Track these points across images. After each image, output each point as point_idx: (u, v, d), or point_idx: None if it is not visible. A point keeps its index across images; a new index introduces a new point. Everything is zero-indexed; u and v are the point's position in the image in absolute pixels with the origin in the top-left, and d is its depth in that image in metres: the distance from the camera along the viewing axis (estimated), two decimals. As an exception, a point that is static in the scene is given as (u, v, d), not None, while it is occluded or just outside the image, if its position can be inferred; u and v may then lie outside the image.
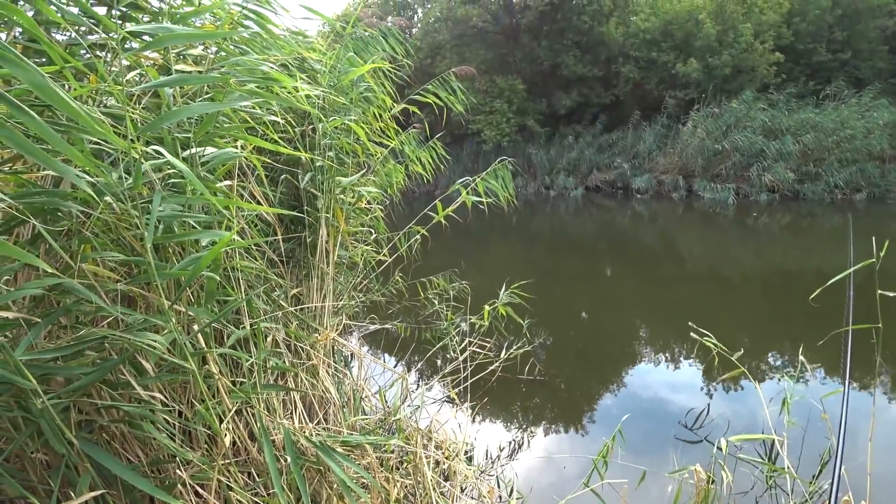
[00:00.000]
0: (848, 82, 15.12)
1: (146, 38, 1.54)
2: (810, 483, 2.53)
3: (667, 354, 4.90)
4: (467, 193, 3.75)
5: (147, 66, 1.55)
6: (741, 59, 14.97)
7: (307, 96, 2.25)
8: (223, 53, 1.90)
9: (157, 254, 1.37)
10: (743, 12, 15.24)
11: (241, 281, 1.87)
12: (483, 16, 17.13)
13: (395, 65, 3.58)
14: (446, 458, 2.60)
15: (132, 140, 1.17)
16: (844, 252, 6.11)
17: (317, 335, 2.43)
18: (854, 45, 15.82)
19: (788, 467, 2.43)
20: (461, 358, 3.75)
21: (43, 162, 0.99)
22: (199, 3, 1.99)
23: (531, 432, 3.54)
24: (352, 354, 3.58)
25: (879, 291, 2.13)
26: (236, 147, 1.86)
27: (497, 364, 3.99)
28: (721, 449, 2.26)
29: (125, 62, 1.40)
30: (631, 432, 3.35)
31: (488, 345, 4.22)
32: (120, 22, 1.60)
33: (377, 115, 3.33)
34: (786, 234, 10.88)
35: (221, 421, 1.51)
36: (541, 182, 17.35)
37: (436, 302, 4.60)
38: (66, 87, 1.30)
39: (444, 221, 3.77)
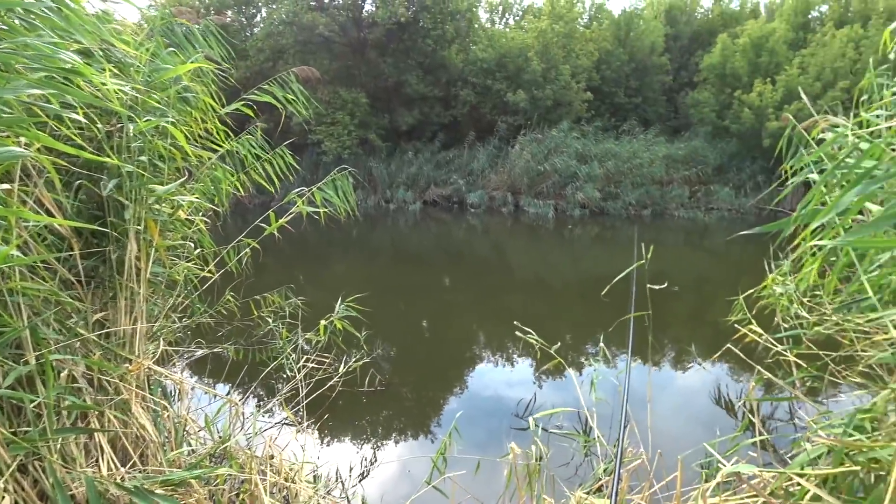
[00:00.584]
0: (639, 121, 18.61)
1: None
2: (614, 446, 2.95)
3: (501, 355, 5.31)
4: (304, 204, 3.62)
5: None
6: (560, 94, 17.38)
7: (116, 93, 1.99)
8: (5, 28, 1.58)
9: None
10: (563, 55, 17.71)
11: (22, 306, 1.56)
12: (330, 25, 16.82)
13: (221, 67, 3.33)
14: (287, 482, 2.46)
15: None
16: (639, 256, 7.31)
17: (127, 365, 2.12)
18: (643, 93, 19.65)
19: (599, 437, 2.82)
20: (299, 376, 3.60)
21: None
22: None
23: (376, 443, 3.54)
24: (174, 385, 3.20)
25: (648, 285, 2.63)
26: (19, 144, 1.57)
27: (337, 379, 3.92)
28: (545, 430, 2.53)
29: None
30: (471, 428, 3.56)
31: (327, 360, 4.13)
32: None
33: (199, 118, 3.06)
34: (594, 243, 12.63)
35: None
36: (381, 195, 17.59)
37: (270, 320, 4.36)
38: None
39: (277, 234, 3.59)
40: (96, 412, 1.83)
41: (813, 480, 1.71)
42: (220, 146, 3.51)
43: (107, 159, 1.86)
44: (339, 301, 3.98)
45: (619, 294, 3.47)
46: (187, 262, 3.23)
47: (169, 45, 2.87)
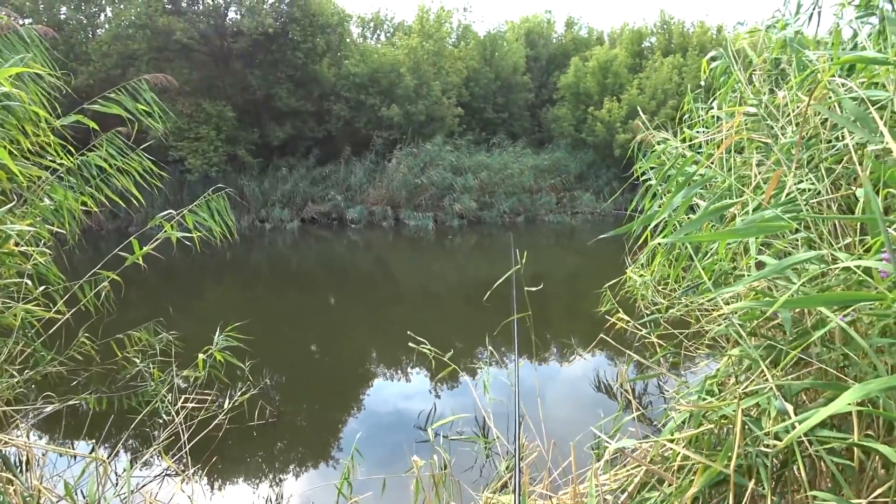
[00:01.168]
0: (507, 135, 19.92)
1: None
2: (513, 443, 3.07)
3: (396, 369, 5.27)
4: (172, 228, 3.29)
5: None
6: (433, 110, 17.93)
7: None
8: None
9: None
10: (434, 72, 18.33)
11: None
12: (189, 32, 15.32)
13: (54, 73, 2.92)
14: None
15: None
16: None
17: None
18: (509, 109, 21.07)
19: (498, 436, 2.91)
20: (178, 419, 3.24)
21: None
22: None
23: (275, 479, 3.30)
24: (18, 452, 2.71)
25: (526, 288, 2.82)
26: None
27: (222, 416, 3.60)
28: (447, 437, 2.55)
29: None
30: (373, 447, 3.47)
31: (209, 398, 3.77)
32: None
33: (30, 131, 2.65)
34: (475, 251, 13.15)
35: None
36: (255, 214, 16.63)
37: (137, 360, 3.87)
38: None
39: (142, 263, 3.22)
40: None
41: (681, 443, 1.93)
42: (59, 164, 3.07)
43: None
44: (218, 331, 3.67)
45: (500, 297, 3.65)
46: (25, 302, 2.76)
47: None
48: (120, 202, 3.49)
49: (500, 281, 3.08)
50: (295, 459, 3.58)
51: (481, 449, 3.23)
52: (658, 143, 3.10)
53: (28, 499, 2.07)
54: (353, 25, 22.34)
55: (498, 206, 16.47)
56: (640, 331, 3.65)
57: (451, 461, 2.50)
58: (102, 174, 3.32)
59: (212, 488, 3.14)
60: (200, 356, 3.58)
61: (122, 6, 16.03)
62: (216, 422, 3.51)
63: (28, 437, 3.38)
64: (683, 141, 2.94)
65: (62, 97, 3.30)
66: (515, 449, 2.20)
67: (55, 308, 3.03)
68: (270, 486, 3.21)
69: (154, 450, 3.09)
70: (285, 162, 17.85)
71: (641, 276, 3.91)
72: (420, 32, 18.87)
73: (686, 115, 3.47)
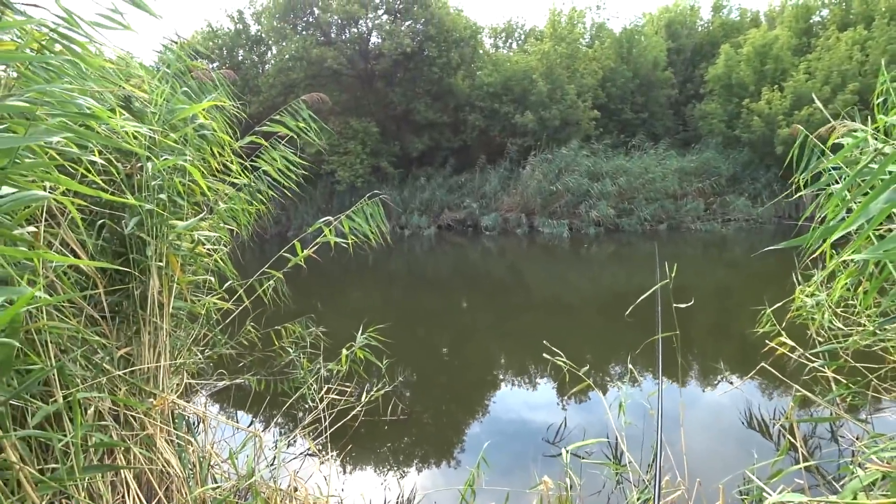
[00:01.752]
0: (647, 136, 18.59)
1: None
2: (647, 472, 2.85)
3: (524, 377, 5.21)
4: (330, 232, 3.62)
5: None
6: (567, 114, 17.48)
7: (134, 135, 2.03)
8: (24, 79, 1.64)
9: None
10: (568, 75, 17.91)
11: (49, 345, 1.57)
12: (338, 59, 17.32)
13: (234, 104, 3.40)
14: (311, 517, 2.41)
15: None
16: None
17: (152, 400, 2.12)
18: (650, 108, 19.75)
19: (630, 462, 2.72)
20: (321, 406, 3.57)
21: None
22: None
23: (401, 473, 3.47)
24: (197, 417, 3.18)
25: (674, 304, 2.55)
26: (43, 188, 1.60)
27: (359, 408, 3.87)
28: (577, 456, 2.45)
29: None
30: (498, 456, 3.47)
31: (349, 390, 4.09)
32: None
33: (216, 152, 3.12)
34: (612, 260, 12.49)
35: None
36: (395, 222, 17.71)
37: (291, 350, 4.35)
38: None
39: (303, 264, 3.61)
40: (122, 449, 1.82)
41: (867, 505, 1.61)
42: (237, 179, 3.57)
43: (125, 199, 1.89)
44: (360, 330, 3.96)
45: (640, 310, 3.40)
46: (209, 296, 3.25)
47: (183, 88, 2.96)
48: (283, 198, 3.90)
49: (646, 295, 2.87)
50: (420, 457, 3.72)
51: (611, 474, 3.04)
52: (841, 137, 2.64)
53: (202, 458, 2.44)
54: (486, 36, 22.79)
55: (638, 213, 15.47)
56: (812, 362, 3.13)
57: (580, 483, 2.39)
58: (269, 181, 3.79)
59: (344, 471, 3.40)
60: (344, 352, 3.89)
61: (283, 44, 18.47)
62: (353, 412, 3.78)
63: (205, 406, 4.01)
64: (884, 133, 2.44)
65: (239, 124, 3.87)
66: (655, 486, 2.02)
67: (231, 301, 3.52)
68: (396, 479, 3.37)
69: (299, 431, 3.45)
70: (423, 172, 18.82)
71: (814, 296, 3.37)
72: (552, 36, 18.57)
73: (881, 99, 2.85)
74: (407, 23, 17.81)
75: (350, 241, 3.68)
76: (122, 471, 1.78)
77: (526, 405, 4.54)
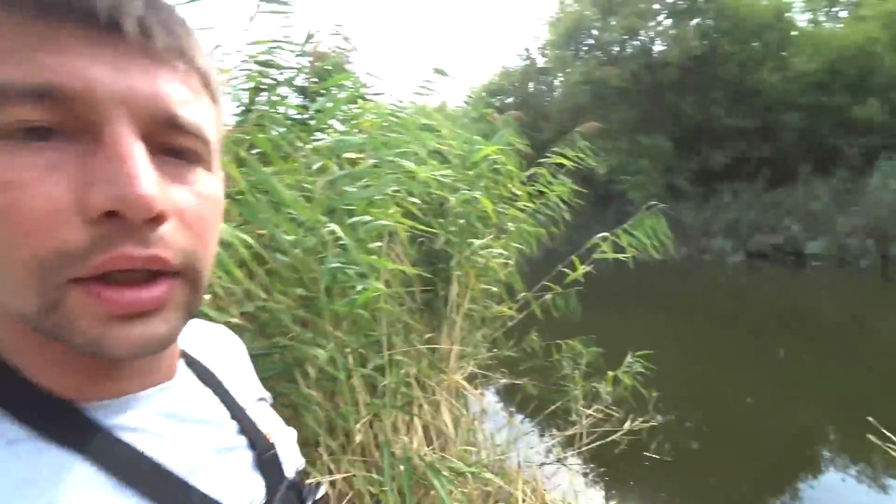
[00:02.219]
0: None
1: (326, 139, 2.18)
2: None
3: (850, 463, 4.07)
4: (610, 248, 3.65)
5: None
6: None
7: (441, 178, 2.76)
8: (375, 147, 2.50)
9: (327, 293, 1.89)
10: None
11: (384, 321, 2.33)
12: (622, 76, 17.35)
13: (524, 141, 3.99)
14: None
15: (317, 213, 1.72)
16: None
17: (443, 376, 2.79)
18: None
19: None
20: (583, 422, 3.67)
21: (263, 225, 1.55)
22: (363, 105, 2.66)
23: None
24: (474, 398, 3.81)
25: None
26: (385, 217, 2.39)
27: (620, 435, 3.75)
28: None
29: (316, 163, 2.02)
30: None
31: (614, 415, 4.02)
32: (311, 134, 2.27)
33: (506, 183, 3.74)
34: None
35: (356, 423, 1.95)
36: (694, 246, 16.22)
37: (566, 365, 4.55)
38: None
39: (581, 279, 3.79)
40: (418, 403, 2.52)
41: None
42: (525, 204, 4.10)
43: (433, 230, 2.60)
44: (628, 356, 3.89)
45: None
46: (498, 304, 3.85)
47: (481, 130, 3.69)
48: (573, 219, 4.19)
49: None
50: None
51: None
52: None
53: (471, 430, 3.00)
54: (797, 14, 18.47)
55: None
56: None
57: None
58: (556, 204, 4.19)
59: (592, 490, 3.45)
60: (610, 373, 3.92)
61: (568, 70, 19.38)
62: (613, 437, 3.73)
63: (481, 392, 4.68)
64: None
65: (531, 149, 4.43)
66: None
67: (513, 309, 4.06)
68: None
69: (556, 439, 3.70)
70: (728, 187, 16.74)
71: None
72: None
73: None
74: (693, 22, 16.37)
75: (630, 255, 3.64)
76: (414, 417, 2.46)
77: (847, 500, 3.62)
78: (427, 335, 2.91)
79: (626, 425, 3.95)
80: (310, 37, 2.48)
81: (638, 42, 18.27)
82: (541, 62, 21.56)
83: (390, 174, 2.13)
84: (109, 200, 0.31)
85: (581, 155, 4.17)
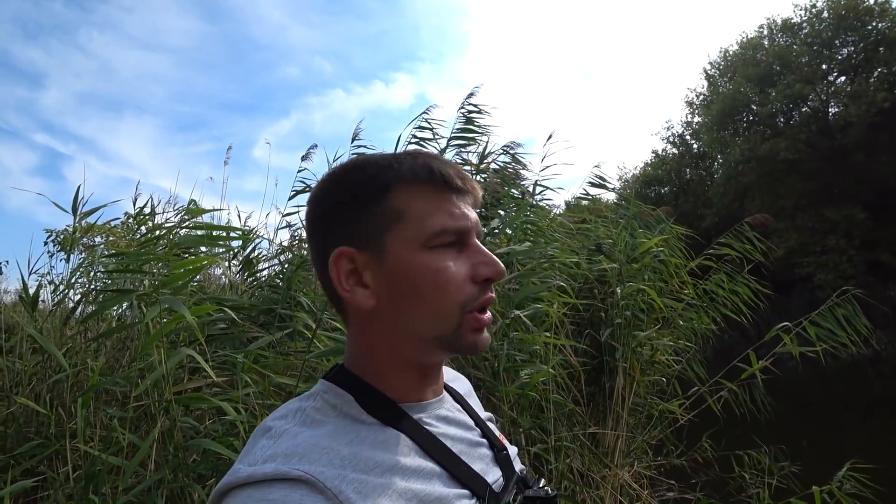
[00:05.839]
0: None
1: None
2: None
3: None
4: (791, 340, 3.25)
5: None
6: None
7: (603, 270, 2.88)
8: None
9: (495, 377, 2.10)
10: None
11: (551, 409, 2.43)
12: (792, 147, 15.54)
13: (682, 230, 3.93)
14: None
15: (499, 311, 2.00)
16: None
17: (607, 470, 2.72)
18: None
19: None
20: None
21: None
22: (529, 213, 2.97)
23: None
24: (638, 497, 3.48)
25: None
26: (549, 306, 2.57)
27: None
28: None
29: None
30: None
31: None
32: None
33: (671, 273, 3.68)
34: None
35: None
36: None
37: (748, 478, 3.91)
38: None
39: (759, 374, 3.39)
40: (581, 495, 2.49)
41: None
42: (687, 295, 3.96)
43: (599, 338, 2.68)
44: (847, 465, 3.24)
45: None
46: (665, 400, 3.64)
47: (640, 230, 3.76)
48: (737, 317, 3.86)
49: None
50: None
51: None
52: None
53: None
54: None
55: None
56: None
57: None
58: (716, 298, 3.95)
59: None
60: (816, 488, 3.32)
61: (728, 150, 17.95)
62: None
63: (648, 495, 4.08)
64: None
65: (695, 239, 4.27)
66: None
67: (681, 409, 3.75)
68: None
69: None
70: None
71: None
72: None
73: None
74: (876, 72, 14.19)
75: (819, 349, 3.20)
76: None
77: None
78: (591, 428, 2.90)
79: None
80: (483, 158, 2.94)
81: (807, 108, 16.48)
82: (696, 146, 20.54)
83: (551, 269, 2.34)
84: (492, 273, 0.61)
85: (749, 247, 3.92)
